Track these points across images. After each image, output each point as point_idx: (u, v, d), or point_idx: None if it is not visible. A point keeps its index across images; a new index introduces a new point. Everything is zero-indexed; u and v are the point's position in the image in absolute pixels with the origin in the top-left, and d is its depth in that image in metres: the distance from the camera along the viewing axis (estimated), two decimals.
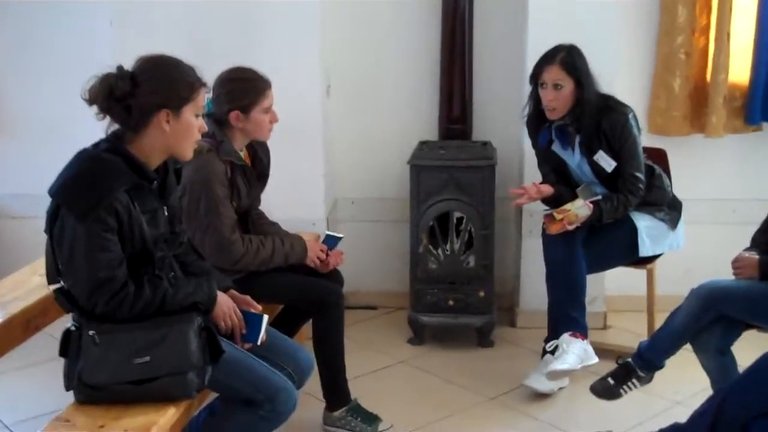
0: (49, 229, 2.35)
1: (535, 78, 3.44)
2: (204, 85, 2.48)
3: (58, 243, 2.33)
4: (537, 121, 3.56)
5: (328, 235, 3.35)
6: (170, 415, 2.32)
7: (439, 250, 3.97)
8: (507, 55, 4.16)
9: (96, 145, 2.41)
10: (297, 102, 3.94)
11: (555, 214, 3.38)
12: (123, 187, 2.31)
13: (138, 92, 2.35)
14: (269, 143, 3.29)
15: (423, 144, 4.14)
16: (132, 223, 2.34)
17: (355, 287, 4.50)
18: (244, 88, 3.08)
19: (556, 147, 3.55)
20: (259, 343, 2.60)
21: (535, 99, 3.50)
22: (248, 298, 2.70)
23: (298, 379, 2.75)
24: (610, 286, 4.16)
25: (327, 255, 3.28)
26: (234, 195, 3.06)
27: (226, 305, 2.56)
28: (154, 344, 2.33)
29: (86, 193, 2.28)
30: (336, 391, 3.24)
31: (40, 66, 4.31)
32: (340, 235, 3.39)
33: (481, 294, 3.97)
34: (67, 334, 2.36)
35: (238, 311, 2.59)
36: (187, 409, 2.43)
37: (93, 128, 2.46)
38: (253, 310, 2.66)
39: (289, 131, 3.90)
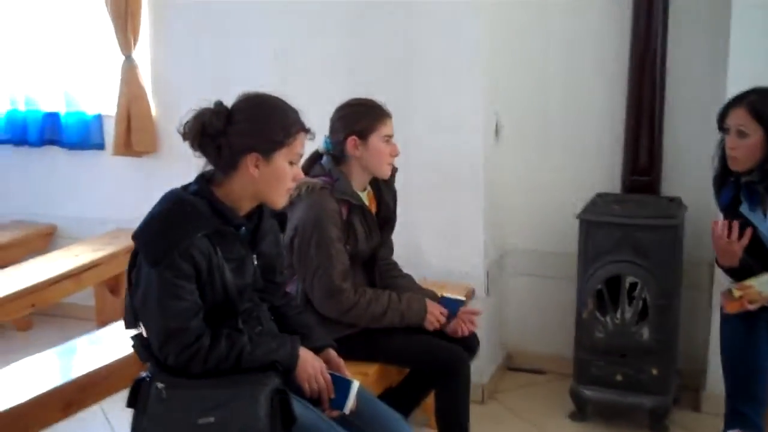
0: (129, 271, 2.26)
1: (720, 121, 2.96)
2: (305, 130, 2.34)
3: (135, 288, 2.24)
4: (724, 175, 3.06)
5: (444, 298, 3.05)
6: None
7: (608, 318, 3.53)
8: (705, 97, 3.64)
9: (185, 187, 2.32)
10: (457, 143, 3.71)
11: (734, 290, 2.87)
12: (201, 231, 2.20)
13: (230, 131, 2.24)
14: (400, 187, 3.07)
15: (600, 196, 3.73)
16: (213, 271, 2.22)
17: (522, 347, 4.21)
18: (361, 113, 2.93)
19: (743, 208, 3.03)
20: (346, 411, 2.37)
21: (723, 149, 3.02)
22: (341, 362, 2.48)
23: None
24: None
25: (447, 320, 2.97)
26: (350, 238, 2.86)
27: (313, 366, 2.36)
28: (221, 405, 2.18)
29: (161, 237, 2.19)
30: None
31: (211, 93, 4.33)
32: (461, 298, 3.11)
33: (654, 372, 3.50)
34: (138, 383, 2.25)
35: (326, 374, 2.38)
36: None
37: None
38: (343, 375, 2.42)
39: (448, 175, 3.69)
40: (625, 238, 3.48)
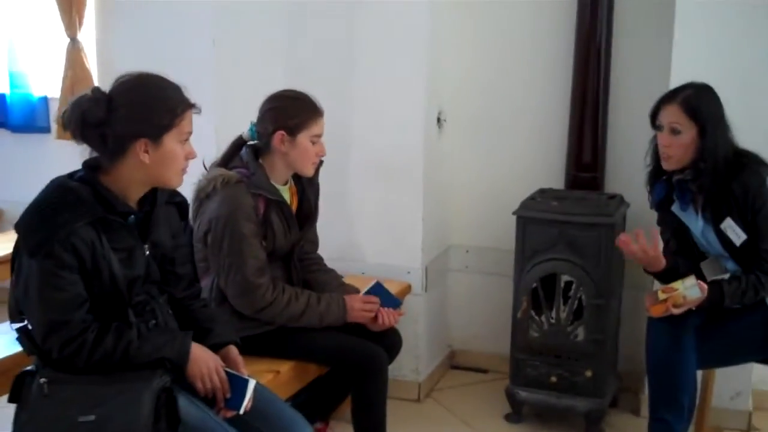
0: (12, 261, 2.20)
1: (653, 118, 2.89)
2: (191, 106, 2.26)
3: (17, 278, 2.18)
4: (657, 172, 3.00)
5: (378, 284, 2.97)
6: None
7: (543, 317, 3.47)
8: (650, 94, 3.54)
9: (72, 174, 2.25)
10: (396, 138, 3.64)
11: (659, 293, 2.81)
12: (83, 220, 2.13)
13: (113, 119, 2.16)
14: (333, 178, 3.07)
15: (542, 192, 3.67)
16: (98, 262, 2.16)
17: (466, 346, 4.18)
18: (295, 107, 2.85)
19: (676, 208, 2.97)
20: (242, 411, 2.30)
21: (656, 146, 2.95)
22: (240, 360, 2.41)
23: None
24: (762, 377, 3.47)
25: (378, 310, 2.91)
26: (268, 234, 2.79)
27: (207, 365, 2.30)
28: (103, 402, 2.12)
29: (40, 226, 2.13)
30: None
31: None
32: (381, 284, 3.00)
33: (589, 374, 3.44)
34: (21, 377, 2.19)
35: (221, 373, 2.32)
36: None
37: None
38: (240, 374, 2.35)
39: (388, 170, 3.63)
40: (561, 235, 3.42)
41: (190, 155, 2.28)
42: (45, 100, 4.61)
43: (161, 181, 2.26)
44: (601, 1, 3.58)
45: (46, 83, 4.60)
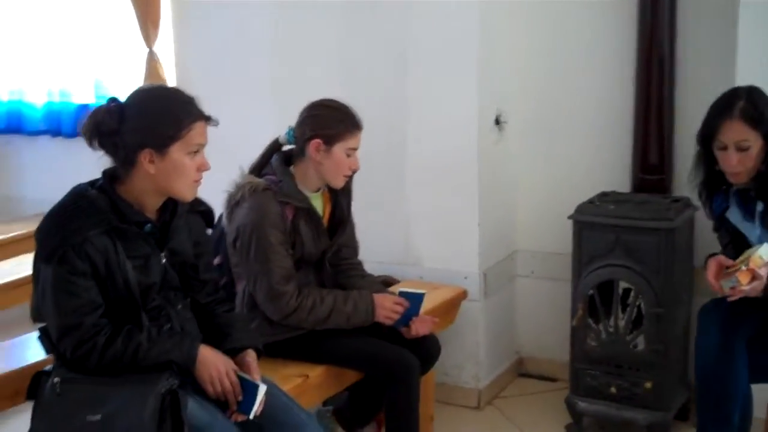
0: (33, 266, 2.30)
1: (708, 138, 2.73)
2: (202, 119, 2.30)
3: (35, 282, 2.28)
4: (712, 185, 2.84)
5: (403, 293, 2.95)
6: None
7: (601, 326, 3.35)
8: (718, 92, 3.39)
9: (92, 182, 2.33)
10: (452, 140, 3.62)
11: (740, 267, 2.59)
12: (96, 229, 2.21)
13: (123, 129, 2.25)
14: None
15: (604, 195, 3.55)
16: (112, 269, 2.24)
17: (534, 354, 4.09)
18: (335, 118, 2.85)
19: (732, 215, 2.82)
20: (251, 416, 2.32)
21: (707, 160, 2.79)
22: (254, 365, 2.44)
23: None
24: None
25: (407, 317, 2.89)
26: (296, 241, 2.81)
27: (216, 368, 2.33)
28: (109, 402, 2.19)
29: (54, 233, 2.23)
30: None
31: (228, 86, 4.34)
32: (421, 292, 2.96)
33: (648, 385, 3.30)
34: (38, 376, 2.29)
35: (232, 376, 2.35)
36: None
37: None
38: (253, 379, 2.38)
39: (444, 173, 3.62)
40: (619, 240, 3.31)
41: (202, 167, 2.32)
42: None
43: (171, 192, 2.31)
44: None
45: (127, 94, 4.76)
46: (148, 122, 2.25)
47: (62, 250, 2.18)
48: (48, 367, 2.32)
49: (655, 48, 3.50)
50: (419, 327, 2.90)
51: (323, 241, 2.90)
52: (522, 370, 4.12)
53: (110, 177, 2.33)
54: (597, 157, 3.78)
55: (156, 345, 2.26)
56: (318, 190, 2.92)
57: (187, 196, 2.35)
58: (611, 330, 3.36)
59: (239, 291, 2.89)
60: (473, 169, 3.61)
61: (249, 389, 2.35)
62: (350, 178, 2.95)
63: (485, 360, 3.79)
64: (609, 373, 3.40)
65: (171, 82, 4.61)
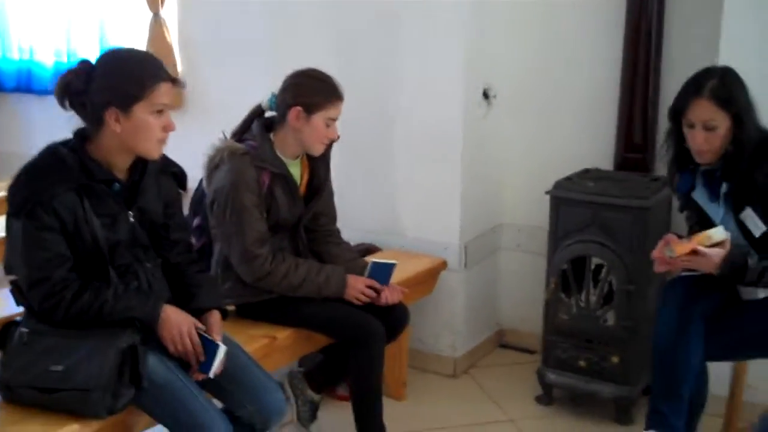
0: (6, 219, 2.40)
1: (678, 114, 2.76)
2: (166, 80, 2.38)
3: (6, 235, 2.38)
4: (680, 162, 2.88)
5: (375, 264, 3.04)
6: (69, 430, 2.25)
7: (573, 300, 3.42)
8: None
9: (65, 142, 2.42)
10: (437, 113, 3.67)
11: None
12: (64, 186, 2.30)
13: (90, 89, 2.33)
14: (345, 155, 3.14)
15: (586, 172, 3.61)
16: (80, 225, 2.33)
17: (515, 326, 4.15)
18: (317, 87, 2.94)
19: (698, 195, 2.86)
20: (211, 374, 2.43)
21: (677, 136, 2.83)
22: (216, 326, 2.53)
23: (261, 422, 2.55)
24: None
25: (377, 289, 2.97)
26: (272, 206, 2.89)
27: (179, 328, 2.42)
28: (72, 354, 2.31)
29: (24, 188, 2.33)
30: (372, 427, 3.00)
31: (231, 50, 4.41)
32: (392, 262, 3.06)
33: (616, 360, 3.37)
34: (7, 326, 2.40)
35: (194, 336, 2.44)
36: (103, 430, 2.33)
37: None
38: (213, 339, 2.47)
39: (429, 145, 3.68)
40: (594, 217, 3.37)
41: (167, 127, 2.40)
42: None
43: (137, 150, 2.40)
44: None
45: None
46: (113, 82, 2.33)
47: (31, 205, 2.29)
48: (19, 318, 2.43)
49: (643, 26, 3.53)
50: (389, 295, 2.99)
51: (298, 207, 2.99)
52: (502, 342, 4.20)
53: (81, 137, 2.42)
54: (583, 133, 3.83)
55: (120, 301, 2.35)
56: (297, 158, 3.00)
57: (152, 154, 2.43)
58: (582, 305, 3.43)
59: (215, 252, 2.98)
60: (457, 142, 3.67)
61: (210, 349, 2.44)
62: (329, 147, 3.03)
63: (463, 329, 3.87)
64: (578, 347, 3.48)
65: (174, 46, 4.70)
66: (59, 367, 2.29)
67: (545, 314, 3.56)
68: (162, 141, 2.42)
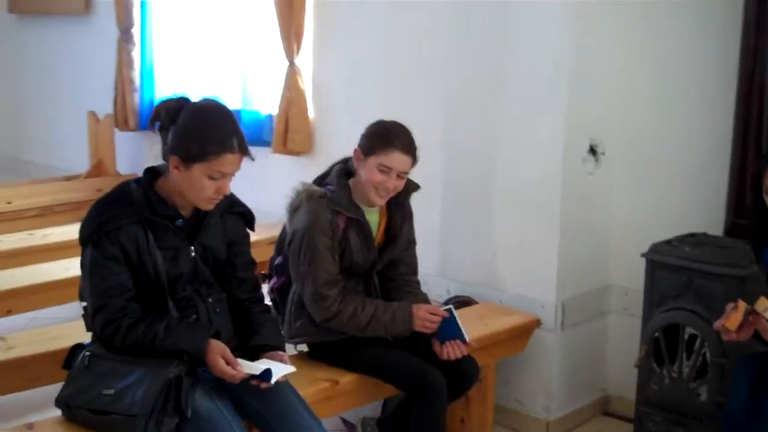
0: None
1: (758, 181, 2.64)
2: (232, 152, 2.52)
3: (81, 264, 2.60)
4: (761, 233, 2.74)
5: (450, 313, 3.02)
6: None
7: (665, 370, 3.28)
8: None
9: (137, 179, 2.63)
10: (537, 168, 3.68)
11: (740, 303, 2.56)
12: (128, 220, 2.50)
13: (171, 129, 2.52)
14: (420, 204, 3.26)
15: (691, 236, 3.46)
16: (143, 257, 2.52)
17: (621, 393, 3.99)
18: (376, 134, 3.02)
19: None
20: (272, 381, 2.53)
21: (757, 205, 2.70)
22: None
23: None
24: None
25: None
26: (346, 250, 2.99)
27: (215, 369, 2.52)
28: (123, 379, 2.48)
29: (92, 220, 2.55)
30: None
31: (363, 99, 4.56)
32: (452, 312, 3.01)
33: None
34: (73, 349, 2.61)
35: (226, 371, 2.51)
36: None
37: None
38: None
39: (527, 197, 3.69)
40: (689, 284, 3.23)
41: (221, 191, 2.55)
42: (270, 118, 5.14)
43: (189, 199, 2.57)
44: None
45: (271, 102, 5.12)
46: (183, 135, 2.51)
47: (97, 236, 2.50)
48: (86, 342, 2.64)
49: (755, 88, 3.36)
50: (450, 350, 2.98)
51: (372, 253, 3.06)
52: (607, 409, 4.05)
53: (152, 173, 2.61)
54: (694, 195, 3.69)
55: (171, 334, 2.51)
56: (374, 205, 3.07)
57: (200, 207, 2.60)
58: (674, 375, 3.28)
59: (291, 290, 3.10)
60: (555, 198, 3.63)
61: (266, 376, 2.53)
62: (404, 198, 3.09)
63: (558, 392, 3.78)
64: (670, 420, 3.32)
65: (308, 92, 4.91)
66: (111, 391, 2.47)
67: (638, 383, 3.42)
68: (212, 200, 2.57)
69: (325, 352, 3.06)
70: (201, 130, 2.51)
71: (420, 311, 2.99)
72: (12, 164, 7.12)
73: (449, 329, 3.00)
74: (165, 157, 2.56)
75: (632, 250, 3.82)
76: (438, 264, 4.04)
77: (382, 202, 3.03)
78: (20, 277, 3.97)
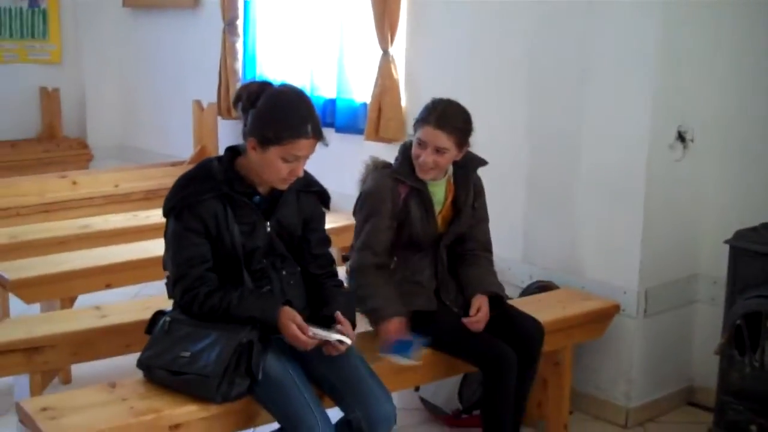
0: None
1: None
2: (306, 137, 2.63)
3: (164, 235, 2.76)
4: None
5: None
6: (187, 410, 2.60)
7: (746, 358, 3.24)
8: None
9: (219, 157, 2.78)
10: (622, 153, 3.68)
11: None
12: (208, 194, 2.65)
13: (252, 111, 2.65)
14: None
15: None
16: (221, 230, 2.66)
17: (709, 384, 3.90)
18: (421, 112, 3.15)
19: None
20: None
21: None
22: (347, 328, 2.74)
23: (367, 429, 2.68)
24: None
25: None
26: (406, 221, 3.09)
27: (287, 334, 2.64)
28: (198, 343, 2.63)
29: (175, 193, 2.70)
30: None
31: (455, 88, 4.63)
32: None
33: None
34: (156, 314, 2.78)
35: (297, 335, 2.63)
36: (218, 417, 2.64)
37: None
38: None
39: (611, 182, 3.70)
40: None
41: (294, 173, 2.68)
42: (364, 106, 5.25)
43: (264, 178, 2.69)
44: None
45: (365, 91, 5.23)
46: (261, 118, 2.64)
47: (179, 209, 2.66)
48: (167, 309, 2.80)
49: None
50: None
51: (432, 225, 3.13)
52: (692, 399, 4.00)
53: (232, 152, 2.75)
54: None
55: (244, 303, 2.65)
56: (442, 179, 3.15)
57: (275, 186, 2.73)
58: (756, 365, 3.22)
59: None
60: (640, 185, 3.61)
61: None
62: (470, 172, 3.19)
63: (639, 379, 3.76)
64: (751, 410, 3.26)
65: (401, 81, 5.00)
66: (187, 354, 2.62)
67: (719, 371, 3.37)
68: (286, 181, 2.70)
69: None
70: (278, 116, 2.63)
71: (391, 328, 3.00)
72: (121, 152, 7.48)
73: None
74: (244, 137, 2.69)
75: (721, 239, 3.77)
76: (521, 250, 4.07)
77: (426, 176, 3.09)
78: (120, 254, 4.18)
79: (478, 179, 3.25)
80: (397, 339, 2.95)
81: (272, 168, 2.64)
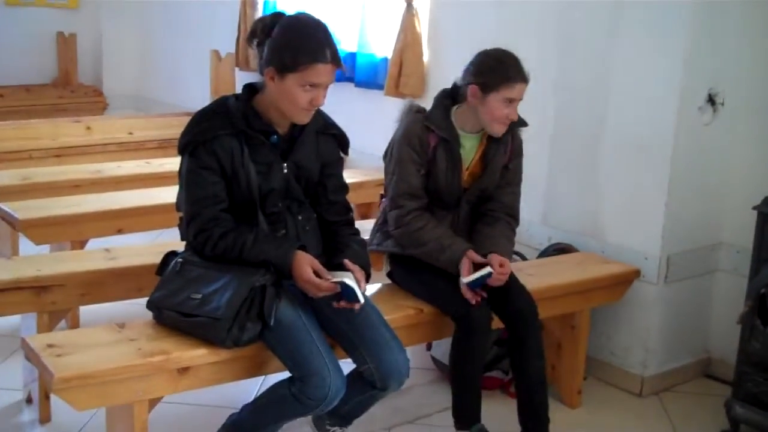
0: None
1: None
2: (324, 62, 2.55)
3: (178, 174, 2.71)
4: None
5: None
6: (197, 354, 2.56)
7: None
8: None
9: (237, 94, 2.71)
10: (649, 117, 3.60)
11: None
12: (224, 131, 2.59)
13: (267, 43, 2.58)
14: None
15: None
16: (237, 169, 2.60)
17: (725, 357, 3.87)
18: (493, 68, 2.99)
19: None
20: (361, 300, 2.59)
21: None
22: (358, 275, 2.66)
23: (380, 380, 2.65)
24: None
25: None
26: (432, 171, 3.03)
27: (302, 278, 2.57)
28: (210, 285, 2.58)
29: (190, 130, 2.64)
30: (456, 410, 3.04)
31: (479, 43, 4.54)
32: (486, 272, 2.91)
33: None
34: (167, 255, 2.73)
35: (322, 272, 2.58)
36: (228, 362, 2.61)
37: None
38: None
39: (636, 145, 3.63)
40: None
41: (314, 102, 2.59)
42: (385, 61, 5.16)
43: (284, 111, 2.62)
44: None
45: (386, 46, 5.14)
46: (277, 46, 2.57)
47: (193, 145, 2.60)
48: (179, 250, 2.75)
49: None
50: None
51: (457, 179, 3.06)
52: (709, 371, 3.94)
53: (250, 89, 2.69)
54: None
55: (258, 245, 2.59)
56: (477, 133, 3.08)
57: (297, 120, 2.65)
58: None
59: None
60: (667, 148, 3.53)
61: (348, 291, 2.57)
62: (512, 134, 3.10)
63: (656, 348, 3.70)
64: None
65: (423, 35, 4.91)
66: (198, 296, 2.57)
67: (740, 341, 3.31)
68: (307, 111, 2.62)
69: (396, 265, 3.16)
70: (294, 42, 2.55)
71: (473, 256, 2.97)
72: (136, 101, 7.43)
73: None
74: (261, 71, 2.63)
75: (747, 208, 3.69)
76: (541, 212, 4.01)
77: (505, 129, 3.03)
78: (132, 199, 4.14)
79: (520, 141, 3.18)
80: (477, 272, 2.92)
81: (291, 98, 2.56)
